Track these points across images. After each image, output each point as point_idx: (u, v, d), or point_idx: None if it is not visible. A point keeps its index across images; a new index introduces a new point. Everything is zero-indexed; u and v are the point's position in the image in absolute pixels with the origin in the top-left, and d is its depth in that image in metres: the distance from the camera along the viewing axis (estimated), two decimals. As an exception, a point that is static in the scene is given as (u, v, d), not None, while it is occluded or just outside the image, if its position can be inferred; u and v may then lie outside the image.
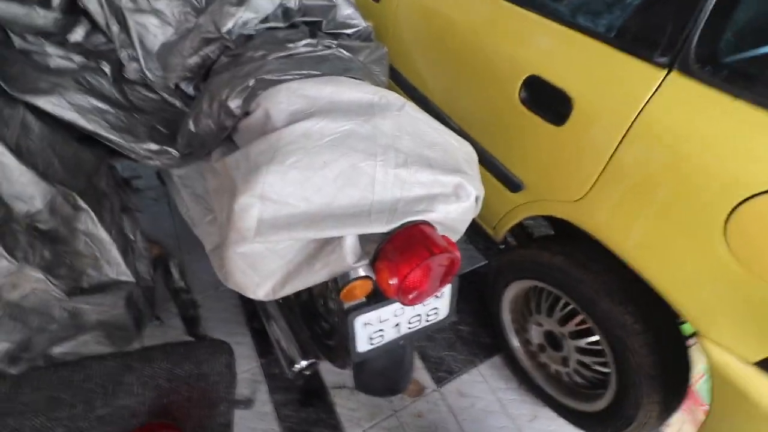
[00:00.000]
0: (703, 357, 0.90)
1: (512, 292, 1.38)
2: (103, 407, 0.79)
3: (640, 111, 0.85)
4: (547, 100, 1.04)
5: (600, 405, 1.19)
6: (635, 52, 0.87)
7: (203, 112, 0.91)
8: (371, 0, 1.67)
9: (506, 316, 1.46)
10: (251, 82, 0.85)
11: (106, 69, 1.04)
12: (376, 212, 0.72)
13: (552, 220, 1.51)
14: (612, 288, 1.05)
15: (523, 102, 1.10)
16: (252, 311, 1.61)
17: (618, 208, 0.95)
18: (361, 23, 1.19)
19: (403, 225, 0.70)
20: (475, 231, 2.05)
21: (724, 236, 0.76)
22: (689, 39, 0.79)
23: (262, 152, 0.74)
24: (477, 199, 0.77)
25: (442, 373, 1.51)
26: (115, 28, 1.00)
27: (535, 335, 1.37)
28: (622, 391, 1.10)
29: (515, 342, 1.47)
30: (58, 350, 1.01)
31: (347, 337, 0.80)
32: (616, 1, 0.96)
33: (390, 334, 0.86)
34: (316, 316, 1.42)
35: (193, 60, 1.01)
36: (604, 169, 0.96)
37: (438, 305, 0.88)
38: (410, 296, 0.70)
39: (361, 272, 0.73)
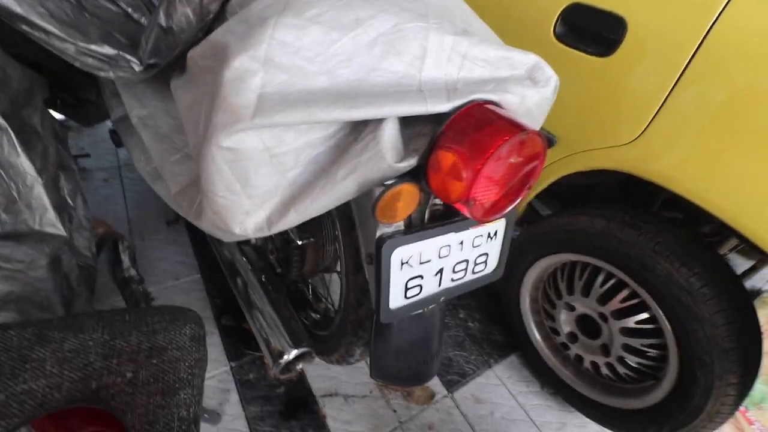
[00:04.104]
0: None
1: (536, 273, 1.20)
2: (-8, 393, 0.50)
3: (720, 13, 0.73)
4: (592, 29, 0.91)
5: (654, 398, 0.99)
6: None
7: (180, -5, 0.69)
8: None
9: (526, 305, 1.26)
10: (250, -51, 0.64)
11: (50, -42, 0.80)
12: (428, 90, 0.51)
13: (557, 196, 1.36)
14: (671, 248, 0.89)
15: (560, 38, 0.96)
16: (221, 305, 1.31)
17: (689, 146, 0.80)
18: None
19: (469, 103, 0.50)
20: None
21: None
22: None
23: (269, 5, 0.52)
24: (556, 88, 0.59)
25: (452, 376, 1.27)
26: None
27: (566, 322, 1.17)
28: (687, 375, 0.91)
29: (537, 335, 1.27)
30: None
31: (379, 282, 0.57)
32: None
33: (429, 286, 0.64)
34: (303, 303, 1.16)
35: (169, -52, 0.80)
36: (666, 99, 0.82)
37: (489, 250, 0.67)
38: (485, 201, 0.49)
39: (406, 176, 0.52)
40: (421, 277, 0.61)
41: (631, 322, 1.00)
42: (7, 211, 0.72)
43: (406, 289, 0.60)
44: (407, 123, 0.55)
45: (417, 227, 0.58)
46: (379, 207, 0.50)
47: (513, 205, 0.53)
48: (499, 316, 1.45)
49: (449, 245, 0.61)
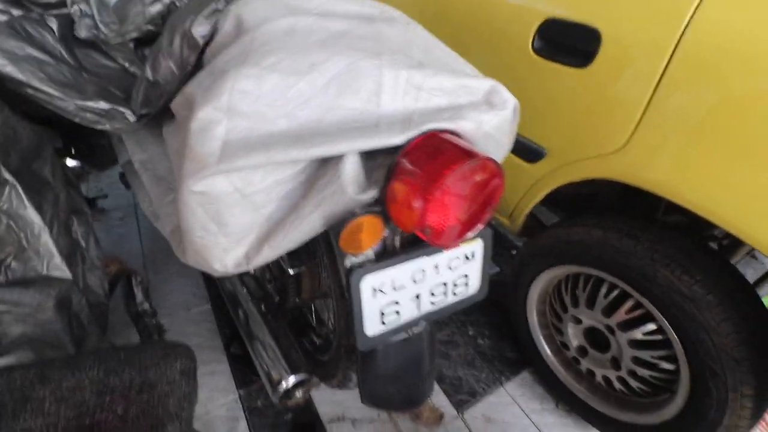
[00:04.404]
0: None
1: (540, 286, 1.17)
2: (-6, 434, 0.54)
3: (691, 17, 0.72)
4: (568, 42, 0.92)
5: (669, 413, 0.95)
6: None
7: (163, 50, 0.74)
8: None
9: (534, 319, 1.24)
10: (221, 5, 0.69)
11: (53, 25, 0.88)
12: (385, 123, 0.53)
13: (560, 204, 1.35)
14: (671, 256, 0.86)
15: (538, 52, 0.97)
16: (230, 334, 1.35)
17: (675, 150, 0.78)
18: None
19: (423, 134, 0.52)
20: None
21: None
22: None
23: (232, 58, 0.56)
24: (515, 110, 0.60)
25: (463, 396, 1.25)
26: (65, -23, 0.86)
27: (574, 336, 1.14)
28: (699, 389, 0.86)
29: (547, 350, 1.24)
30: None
31: (351, 310, 0.58)
32: None
33: (408, 311, 0.64)
34: (306, 328, 1.18)
35: (155, 8, 0.86)
36: (648, 104, 0.81)
37: (468, 271, 0.67)
38: (443, 228, 0.50)
39: (368, 207, 0.54)
40: (398, 303, 0.62)
41: (638, 333, 0.96)
42: (16, 259, 0.78)
43: (383, 315, 0.61)
44: (371, 155, 0.57)
45: (387, 255, 0.59)
46: (342, 239, 0.52)
47: (476, 230, 0.54)
48: (509, 331, 1.42)
49: (423, 270, 0.62)
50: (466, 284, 0.68)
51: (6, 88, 0.82)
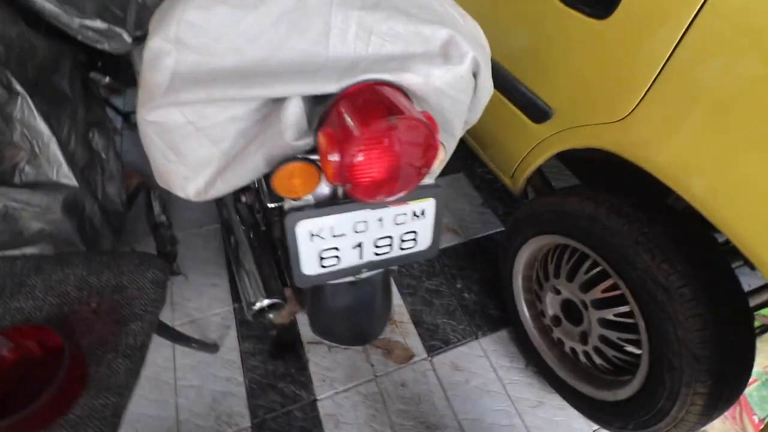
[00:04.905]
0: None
1: (528, 251, 1.15)
2: (-7, 307, 0.65)
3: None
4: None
5: (624, 393, 0.95)
6: None
7: (148, -31, 0.74)
8: None
9: (518, 282, 1.23)
10: None
11: (59, -64, 0.89)
12: (327, 68, 0.52)
13: (581, 166, 1.27)
14: (655, 241, 0.80)
15: (561, -3, 0.86)
16: (233, 254, 1.47)
17: (682, 129, 0.70)
18: None
19: (358, 84, 0.50)
20: (492, 195, 1.83)
21: None
22: None
23: (186, -13, 0.55)
24: (477, 66, 0.56)
25: (436, 342, 1.31)
26: None
27: (551, 305, 1.13)
28: (655, 377, 0.85)
29: (526, 314, 1.24)
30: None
31: (287, 249, 0.62)
32: None
33: (349, 258, 0.67)
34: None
35: None
36: (660, 71, 0.71)
37: (417, 228, 0.68)
38: (362, 184, 0.50)
39: (304, 153, 0.54)
40: (337, 249, 0.64)
41: (609, 313, 0.94)
42: (29, 163, 0.88)
43: (321, 258, 0.64)
44: (319, 101, 0.57)
45: (328, 202, 0.61)
46: (273, 183, 0.54)
47: (398, 194, 0.53)
48: (498, 290, 1.43)
49: (366, 221, 0.63)
50: (415, 240, 0.69)
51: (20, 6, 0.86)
